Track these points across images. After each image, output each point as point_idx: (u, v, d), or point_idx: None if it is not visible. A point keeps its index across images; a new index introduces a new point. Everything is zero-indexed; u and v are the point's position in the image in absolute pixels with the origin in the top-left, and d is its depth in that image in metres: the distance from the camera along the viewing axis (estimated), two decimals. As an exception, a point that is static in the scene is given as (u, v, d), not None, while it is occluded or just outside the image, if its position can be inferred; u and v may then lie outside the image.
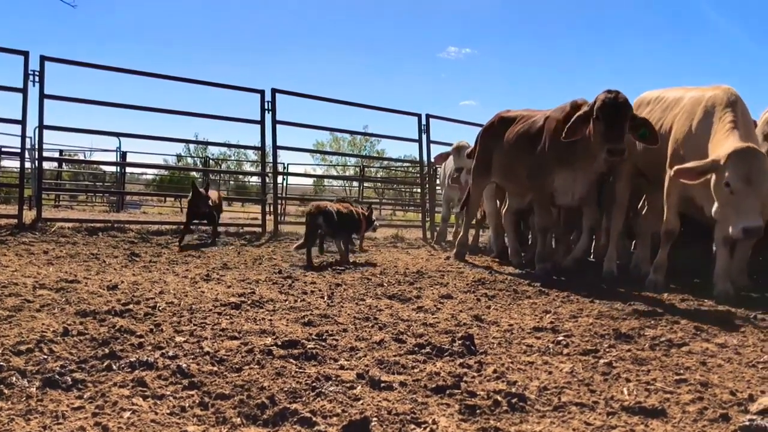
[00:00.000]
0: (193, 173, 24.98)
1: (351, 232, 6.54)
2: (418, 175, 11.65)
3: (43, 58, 7.22)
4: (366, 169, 22.67)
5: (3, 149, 13.78)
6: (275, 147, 9.05)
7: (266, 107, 8.82)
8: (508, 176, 5.93)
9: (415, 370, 2.32)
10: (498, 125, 6.03)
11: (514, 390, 2.09)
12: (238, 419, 1.81)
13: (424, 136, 10.50)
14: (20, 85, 7.11)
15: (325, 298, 3.82)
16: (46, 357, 2.25)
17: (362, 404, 1.94)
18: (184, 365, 2.20)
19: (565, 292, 4.30)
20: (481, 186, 6.44)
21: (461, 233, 6.84)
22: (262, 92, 8.85)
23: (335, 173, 23.94)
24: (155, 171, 23.28)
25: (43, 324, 2.71)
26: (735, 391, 2.17)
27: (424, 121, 10.43)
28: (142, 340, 2.55)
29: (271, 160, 9.32)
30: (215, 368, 2.23)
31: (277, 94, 8.87)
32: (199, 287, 3.97)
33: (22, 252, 5.40)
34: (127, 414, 1.79)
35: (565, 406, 1.99)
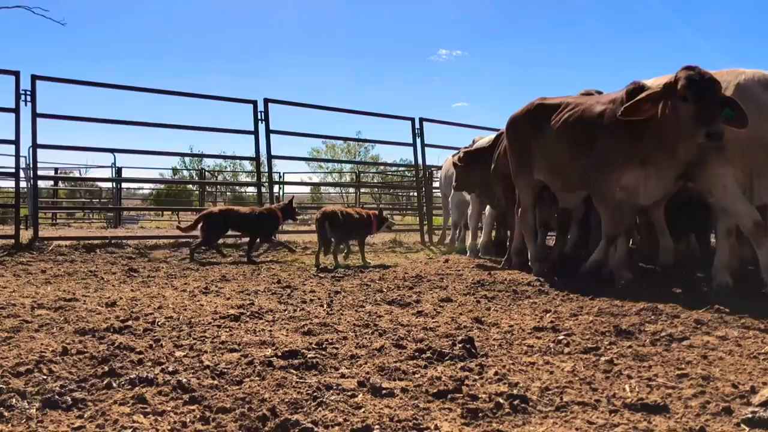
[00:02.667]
0: (190, 186, 24.95)
1: (361, 233, 6.64)
2: (415, 179, 11.67)
3: (34, 78, 7.25)
4: (362, 174, 22.68)
5: (-2, 170, 13.74)
6: (270, 157, 9.07)
7: (259, 117, 8.85)
8: (556, 172, 5.14)
9: (416, 376, 2.32)
10: (537, 113, 5.25)
11: (515, 392, 2.08)
12: (240, 432, 1.80)
13: (418, 140, 10.55)
14: (12, 105, 7.12)
15: (325, 306, 3.81)
16: (45, 377, 2.24)
17: (364, 412, 1.93)
18: (185, 380, 2.19)
19: (564, 291, 4.30)
20: (528, 183, 5.49)
21: (531, 246, 5.60)
22: (254, 102, 8.90)
23: (331, 180, 23.92)
24: (151, 185, 23.27)
25: (42, 344, 2.69)
26: (737, 384, 2.16)
27: (417, 125, 10.47)
28: (141, 356, 2.54)
29: (267, 170, 9.32)
30: (216, 382, 2.22)
31: (269, 104, 8.91)
32: (198, 300, 3.96)
33: (19, 272, 5.38)
34: (128, 432, 1.78)
35: (567, 406, 1.99)
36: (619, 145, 4.40)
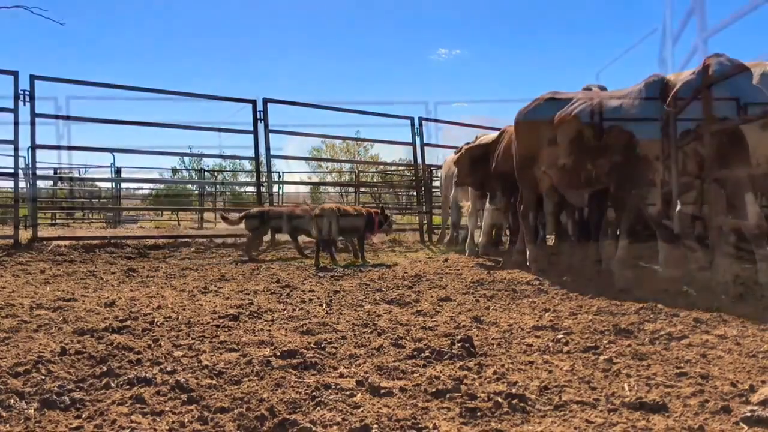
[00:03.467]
0: (189, 185, 24.96)
1: (360, 232, 6.65)
2: (414, 178, 11.67)
3: (32, 78, 7.25)
4: (361, 174, 22.66)
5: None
6: (269, 156, 9.06)
7: (258, 117, 8.85)
8: (564, 168, 4.96)
9: (415, 375, 2.31)
10: (547, 107, 5.07)
11: (514, 391, 2.08)
12: (238, 432, 1.80)
13: (417, 139, 10.54)
14: (11, 106, 7.12)
15: (324, 305, 3.81)
16: (44, 377, 2.24)
17: (362, 412, 1.93)
18: (183, 380, 2.19)
19: (563, 290, 4.29)
20: (533, 180, 5.38)
21: (530, 245, 5.52)
22: (253, 102, 8.88)
23: (330, 180, 23.89)
24: (151, 185, 23.21)
25: (40, 344, 2.69)
26: (736, 383, 2.16)
27: (416, 124, 10.46)
28: (140, 356, 2.54)
29: (266, 170, 9.31)
30: (214, 381, 2.22)
31: (268, 104, 8.90)
32: (197, 300, 3.96)
33: (18, 272, 5.38)
34: (126, 432, 1.78)
35: (566, 405, 1.99)
36: (643, 138, 4.25)
